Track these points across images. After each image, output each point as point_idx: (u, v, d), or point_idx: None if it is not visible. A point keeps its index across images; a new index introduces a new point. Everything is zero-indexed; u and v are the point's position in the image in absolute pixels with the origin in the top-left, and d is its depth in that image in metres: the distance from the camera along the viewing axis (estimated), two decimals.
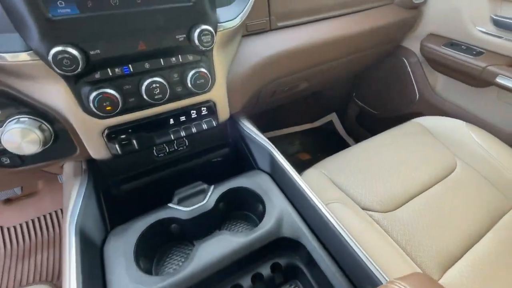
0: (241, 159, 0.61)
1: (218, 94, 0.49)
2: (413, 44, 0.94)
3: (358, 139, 1.30)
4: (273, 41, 0.60)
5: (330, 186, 0.61)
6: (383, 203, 0.58)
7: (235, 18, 0.46)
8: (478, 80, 0.78)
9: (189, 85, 0.43)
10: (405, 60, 0.97)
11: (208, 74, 0.44)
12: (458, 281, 0.49)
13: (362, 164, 0.66)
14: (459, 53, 0.80)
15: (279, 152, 0.54)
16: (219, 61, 0.47)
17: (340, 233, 0.40)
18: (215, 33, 0.43)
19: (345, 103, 1.32)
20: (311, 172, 0.67)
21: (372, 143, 0.74)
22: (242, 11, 0.47)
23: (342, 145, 1.30)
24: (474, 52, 0.78)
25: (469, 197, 0.62)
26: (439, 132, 0.76)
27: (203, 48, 0.41)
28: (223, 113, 0.52)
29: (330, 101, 1.33)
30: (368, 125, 1.25)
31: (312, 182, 0.62)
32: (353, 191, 0.60)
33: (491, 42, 0.75)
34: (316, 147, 1.28)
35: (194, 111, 0.48)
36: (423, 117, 0.83)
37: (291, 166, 0.51)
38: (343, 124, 1.37)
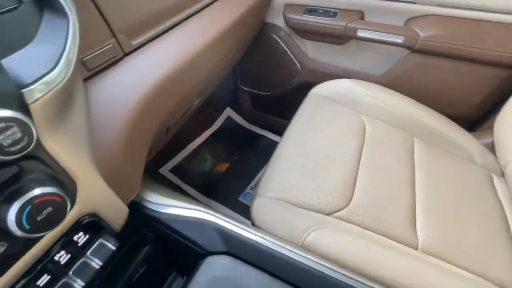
0: (173, 251, 0.43)
1: (94, 198, 0.29)
2: (276, 18, 0.92)
3: (262, 125, 1.27)
4: (139, 71, 0.41)
5: (292, 211, 0.52)
6: (342, 196, 0.55)
7: (54, 66, 0.26)
8: (343, 38, 0.84)
9: (25, 224, 0.22)
10: (275, 36, 0.95)
11: (60, 194, 0.23)
12: (431, 234, 0.51)
13: (300, 166, 0.60)
14: (319, 17, 0.82)
15: (222, 215, 0.39)
16: (65, 150, 0.27)
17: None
18: (27, 112, 0.22)
19: (235, 93, 1.25)
20: (260, 204, 0.55)
21: (292, 137, 0.69)
22: (64, 45, 0.27)
23: (249, 136, 1.25)
24: (331, 14, 0.82)
25: (388, 147, 0.66)
26: (336, 96, 0.79)
27: (13, 157, 0.21)
28: (117, 216, 0.32)
29: (218, 98, 1.22)
30: (265, 107, 1.22)
31: (272, 219, 0.52)
32: (312, 201, 0.54)
33: (340, 1, 0.80)
34: (228, 150, 1.17)
35: (64, 253, 0.26)
36: (316, 86, 0.84)
37: (248, 227, 0.38)
38: (241, 115, 1.31)
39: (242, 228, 0.38)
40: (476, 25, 0.69)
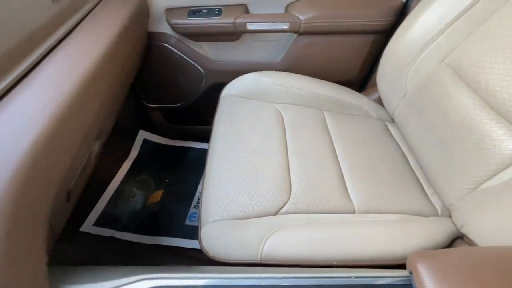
0: None
1: None
2: (161, 26, 0.85)
3: (184, 137, 1.20)
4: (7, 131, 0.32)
5: (241, 226, 0.50)
6: (282, 189, 0.56)
7: None
8: (235, 34, 0.84)
9: None
10: (166, 45, 0.88)
11: None
12: (361, 194, 0.58)
13: (233, 175, 0.59)
14: (205, 18, 0.80)
15: (161, 273, 0.35)
16: None
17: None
18: None
19: (143, 114, 1.13)
20: (208, 232, 0.52)
21: (217, 147, 0.67)
22: None
23: (175, 153, 1.16)
24: (216, 12, 0.80)
25: (306, 128, 0.71)
26: (246, 93, 0.79)
27: None
28: None
29: (126, 125, 1.09)
30: (181, 119, 1.15)
31: (224, 244, 0.49)
32: (257, 207, 0.53)
33: None
34: (156, 176, 1.07)
35: None
36: (225, 88, 0.83)
37: None
38: (158, 133, 1.20)
39: (187, 277, 0.35)
40: (345, 2, 0.79)
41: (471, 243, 0.49)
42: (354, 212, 0.55)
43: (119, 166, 1.06)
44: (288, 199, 0.55)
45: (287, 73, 0.83)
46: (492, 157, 0.45)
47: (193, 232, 0.90)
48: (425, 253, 0.31)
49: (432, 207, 0.58)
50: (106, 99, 0.57)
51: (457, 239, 0.54)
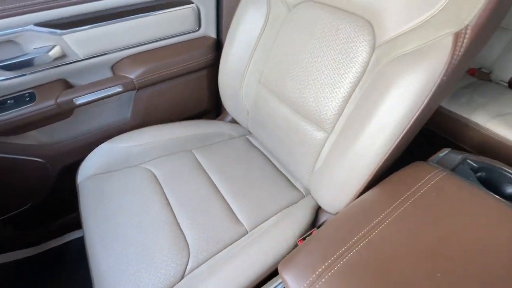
0: None
1: None
2: None
3: (45, 237, 0.98)
4: None
5: None
6: (180, 249, 0.57)
7: None
8: (65, 113, 0.76)
9: None
10: None
11: None
12: (246, 213, 0.65)
13: (121, 255, 0.54)
14: (16, 110, 0.68)
15: None
16: None
17: None
18: None
19: None
20: None
21: (95, 239, 0.59)
22: None
23: (43, 258, 0.94)
24: (27, 98, 0.70)
25: (182, 176, 0.74)
26: (106, 166, 0.74)
27: None
28: None
29: None
30: (35, 221, 0.94)
31: None
32: (159, 279, 0.52)
33: (27, 80, 0.69)
34: None
35: None
36: (79, 169, 0.73)
37: None
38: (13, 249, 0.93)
39: None
40: (168, 51, 0.85)
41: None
42: (246, 233, 0.62)
43: None
44: (189, 256, 0.56)
45: (141, 129, 0.82)
46: (311, 146, 0.62)
47: None
48: (288, 260, 0.40)
49: (298, 192, 0.73)
50: None
51: (319, 208, 0.70)
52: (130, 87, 0.80)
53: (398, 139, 0.47)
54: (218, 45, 0.93)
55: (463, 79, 1.18)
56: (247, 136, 0.93)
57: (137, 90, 0.83)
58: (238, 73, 0.79)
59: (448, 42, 0.40)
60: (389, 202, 0.47)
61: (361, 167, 0.51)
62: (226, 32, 0.80)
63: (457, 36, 0.40)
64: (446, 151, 0.58)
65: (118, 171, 0.73)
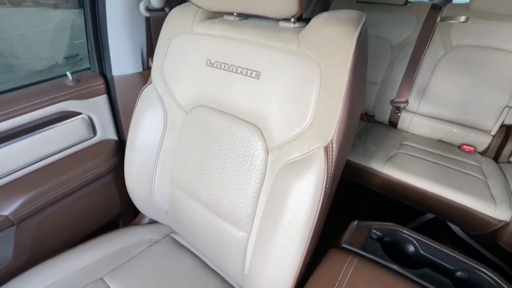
0: None
1: None
2: None
3: None
4: None
5: None
6: None
7: None
8: None
9: None
10: None
11: None
12: None
13: None
14: None
15: None
16: None
17: None
18: None
19: None
20: None
21: None
22: None
23: None
24: None
25: None
26: None
27: None
28: None
29: None
30: None
31: None
32: None
33: None
34: None
35: None
36: None
37: None
38: None
39: None
40: (52, 168, 0.74)
41: None
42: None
43: None
44: None
45: (31, 271, 0.65)
46: (235, 246, 0.59)
47: None
48: None
49: None
50: None
51: None
52: (4, 225, 0.65)
53: (311, 233, 0.48)
54: (121, 146, 0.87)
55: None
56: (172, 235, 0.85)
57: (17, 224, 0.68)
58: (146, 177, 0.73)
59: (321, 154, 0.45)
60: None
61: (286, 264, 0.51)
62: (127, 132, 0.76)
63: (326, 149, 0.45)
64: (355, 224, 0.63)
65: None
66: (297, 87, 0.48)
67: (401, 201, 1.06)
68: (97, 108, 0.79)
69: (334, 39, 0.44)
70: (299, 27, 0.53)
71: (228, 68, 0.57)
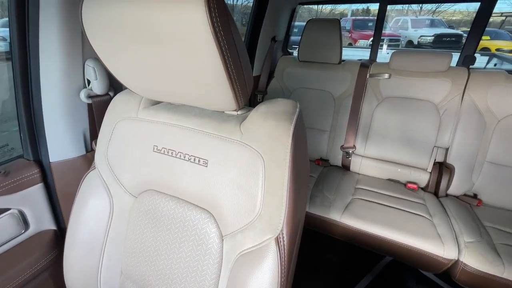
0: None
1: None
2: None
3: None
4: None
5: None
6: None
7: None
8: None
9: None
10: None
11: None
12: None
13: None
14: None
15: None
16: None
17: None
18: None
19: None
20: None
21: None
22: None
23: None
24: None
25: None
26: None
27: None
28: None
29: None
30: None
31: None
32: None
33: None
34: None
35: None
36: None
37: None
38: None
39: None
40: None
41: None
42: None
43: None
44: None
45: None
46: None
47: None
48: None
49: None
50: None
51: None
52: None
53: None
54: (62, 236, 0.77)
55: (314, 170, 1.45)
56: None
57: None
58: (91, 272, 0.65)
59: (273, 246, 0.45)
60: None
61: None
62: (68, 220, 0.68)
63: (277, 240, 0.45)
64: None
65: None
66: (244, 177, 0.49)
67: (363, 248, 1.09)
68: (30, 199, 0.70)
69: (272, 134, 0.47)
70: (242, 113, 0.55)
71: (176, 155, 0.56)
